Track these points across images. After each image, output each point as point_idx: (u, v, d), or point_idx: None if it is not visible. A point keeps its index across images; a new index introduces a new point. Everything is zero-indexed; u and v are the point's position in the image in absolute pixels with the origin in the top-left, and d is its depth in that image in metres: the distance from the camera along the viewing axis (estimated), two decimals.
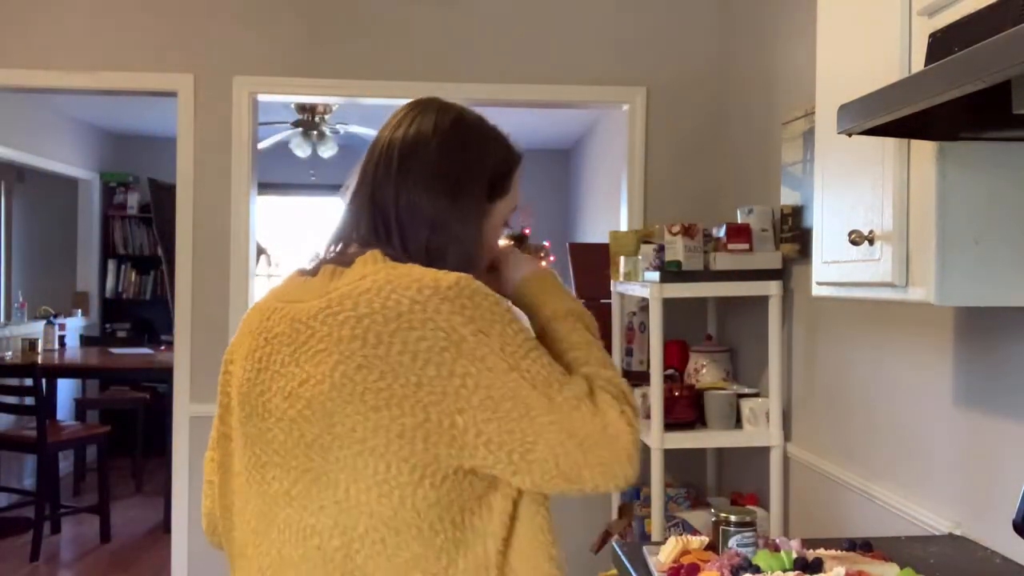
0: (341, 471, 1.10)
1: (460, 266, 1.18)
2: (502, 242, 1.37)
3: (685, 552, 1.68)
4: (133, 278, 7.62)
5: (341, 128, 6.17)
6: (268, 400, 1.16)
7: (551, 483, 1.12)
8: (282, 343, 1.17)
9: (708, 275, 2.93)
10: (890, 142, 1.59)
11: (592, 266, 3.86)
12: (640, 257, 3.12)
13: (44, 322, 6.20)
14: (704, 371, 3.23)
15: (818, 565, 1.59)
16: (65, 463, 6.15)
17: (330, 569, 1.11)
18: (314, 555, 1.11)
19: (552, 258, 4.20)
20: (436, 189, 1.21)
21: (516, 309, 1.24)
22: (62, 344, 6.28)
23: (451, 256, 1.20)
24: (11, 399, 4.99)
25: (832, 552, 1.69)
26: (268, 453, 1.16)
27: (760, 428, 2.92)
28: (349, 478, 1.09)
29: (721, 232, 2.96)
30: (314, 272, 1.23)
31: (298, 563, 1.12)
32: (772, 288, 2.90)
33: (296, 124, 6.05)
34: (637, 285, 3.14)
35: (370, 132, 6.23)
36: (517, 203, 1.32)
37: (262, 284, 3.56)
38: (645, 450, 2.96)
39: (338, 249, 1.27)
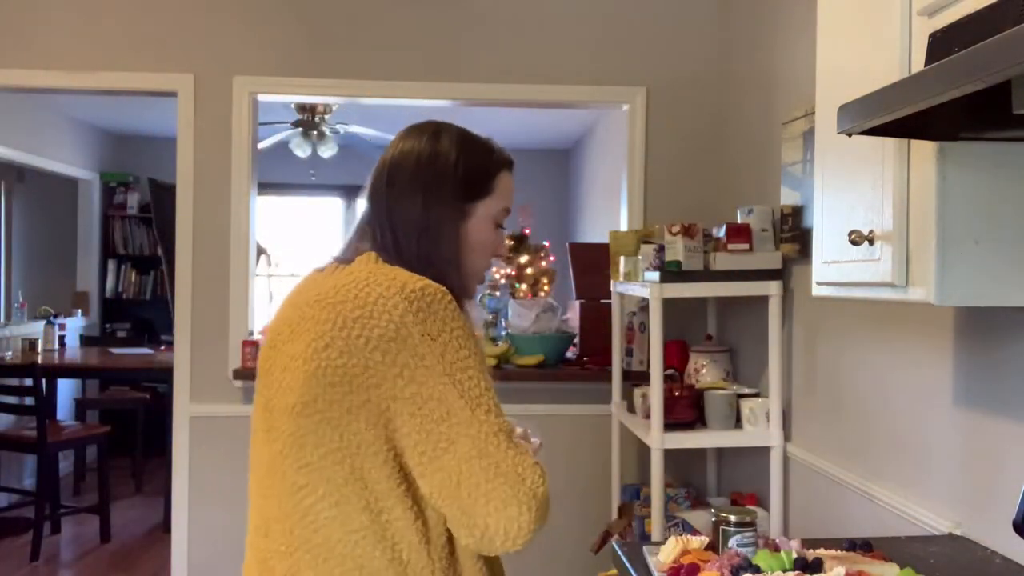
0: (308, 436, 1.24)
1: (447, 265, 1.35)
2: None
3: (685, 552, 1.68)
4: (133, 278, 7.62)
5: (341, 128, 6.17)
6: (272, 372, 1.34)
7: (446, 500, 1.20)
8: (286, 325, 1.35)
9: (708, 275, 2.93)
10: (890, 142, 1.59)
11: (592, 266, 3.86)
12: (640, 257, 3.12)
13: (44, 322, 6.20)
14: (704, 371, 3.23)
15: (818, 565, 1.59)
16: (65, 463, 6.15)
17: (308, 521, 1.25)
18: (299, 508, 1.26)
19: (552, 258, 4.20)
20: (413, 197, 1.37)
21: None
22: (62, 344, 6.28)
23: (437, 257, 1.36)
24: (11, 399, 4.99)
25: (832, 552, 1.69)
26: (272, 418, 1.31)
27: (760, 428, 2.92)
28: (313, 443, 1.24)
29: (721, 232, 2.96)
30: (324, 269, 1.41)
31: (290, 513, 1.27)
32: (772, 288, 2.90)
33: (296, 124, 6.05)
34: (637, 285, 3.14)
35: (370, 132, 6.24)
36: (508, 204, 1.45)
37: (262, 284, 3.56)
38: (645, 450, 2.96)
39: (345, 251, 1.43)
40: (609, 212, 5.63)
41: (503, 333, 3.91)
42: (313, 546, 1.25)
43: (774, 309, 2.90)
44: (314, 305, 1.30)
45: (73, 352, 6.30)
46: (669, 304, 2.95)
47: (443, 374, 1.21)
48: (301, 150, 6.18)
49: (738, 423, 2.98)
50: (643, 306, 3.43)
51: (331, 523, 1.24)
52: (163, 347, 6.23)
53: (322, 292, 1.31)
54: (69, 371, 5.92)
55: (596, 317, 3.81)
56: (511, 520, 1.18)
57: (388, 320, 1.22)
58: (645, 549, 1.79)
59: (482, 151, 1.44)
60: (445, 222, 1.37)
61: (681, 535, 1.79)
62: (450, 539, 1.28)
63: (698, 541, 1.73)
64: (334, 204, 8.26)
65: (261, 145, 4.79)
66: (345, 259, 1.39)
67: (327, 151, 6.20)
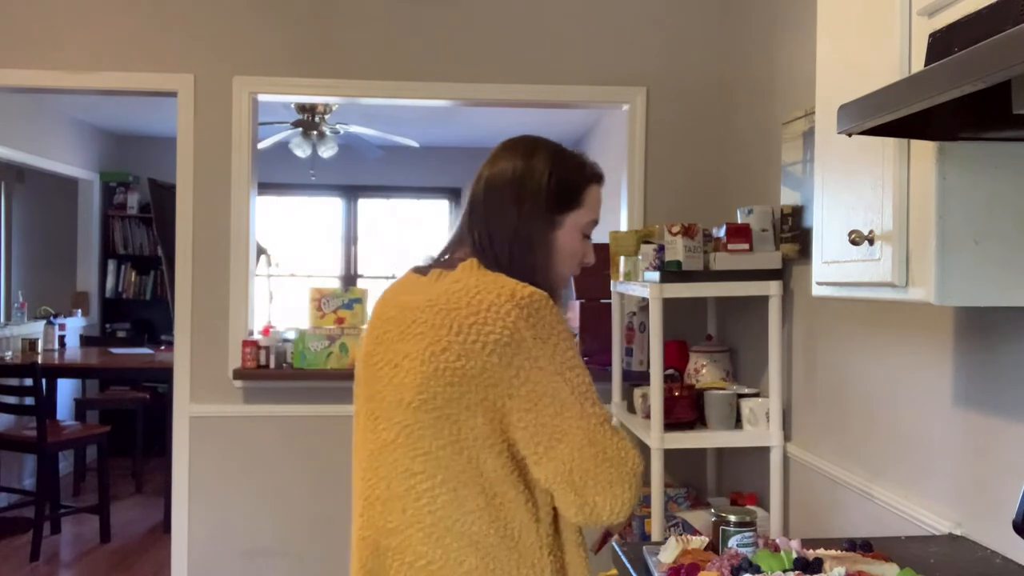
0: (426, 429, 1.39)
1: (539, 271, 1.48)
2: None
3: (685, 552, 1.68)
4: (133, 278, 7.62)
5: (341, 128, 6.16)
6: (379, 368, 1.47)
7: (559, 485, 1.36)
8: (393, 325, 1.48)
9: (708, 275, 2.93)
10: (890, 142, 1.58)
11: (592, 266, 3.85)
12: (640, 257, 3.12)
13: (44, 322, 6.20)
14: (704, 371, 3.23)
15: (818, 565, 1.59)
16: (65, 463, 6.15)
17: (420, 505, 1.40)
18: (413, 491, 1.40)
19: None
20: (508, 208, 1.50)
21: None
22: (62, 344, 6.27)
23: (530, 263, 1.48)
24: (11, 399, 4.99)
25: (832, 552, 1.69)
26: (379, 410, 1.46)
27: (760, 428, 2.92)
28: (431, 435, 1.38)
29: (721, 232, 2.96)
30: (425, 272, 1.53)
31: (402, 496, 1.41)
32: (772, 288, 2.90)
33: (296, 124, 6.04)
34: (637, 285, 3.14)
35: (370, 132, 6.24)
36: (595, 216, 1.57)
37: (262, 284, 3.56)
38: (645, 450, 2.96)
39: (447, 256, 1.56)
40: (609, 212, 5.62)
41: None
42: (427, 524, 1.39)
43: (774, 309, 2.90)
44: (426, 310, 1.43)
45: (73, 352, 6.30)
46: (669, 304, 2.95)
47: (555, 373, 1.36)
48: (301, 150, 6.17)
49: (738, 423, 2.98)
50: (643, 306, 3.42)
51: (448, 505, 1.38)
52: (163, 347, 6.23)
53: (432, 297, 1.44)
54: (69, 371, 5.92)
55: (596, 317, 3.81)
56: (616, 497, 1.36)
57: (503, 326, 1.36)
58: (645, 549, 1.79)
59: (573, 166, 1.55)
60: (537, 231, 1.50)
61: (681, 535, 1.79)
62: (555, 517, 1.45)
63: (698, 541, 1.73)
64: (334, 204, 8.26)
65: (261, 145, 4.79)
66: (447, 264, 1.51)
67: (327, 151, 6.20)
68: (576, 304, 3.96)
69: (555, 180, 1.51)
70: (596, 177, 1.57)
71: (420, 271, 1.54)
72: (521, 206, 1.50)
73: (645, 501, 3.24)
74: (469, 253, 1.51)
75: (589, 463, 1.34)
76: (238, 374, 3.66)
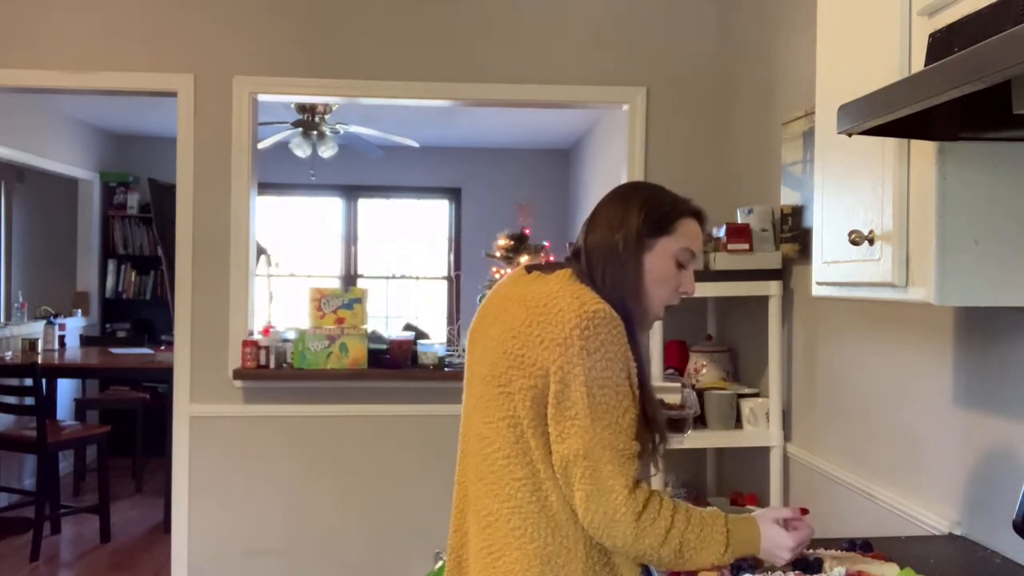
0: (492, 401, 1.59)
1: (628, 292, 1.60)
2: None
3: None
4: (133, 278, 7.61)
5: (341, 128, 6.16)
6: (476, 344, 1.70)
7: (559, 478, 1.52)
8: (491, 311, 1.69)
9: (708, 275, 2.93)
10: (890, 142, 1.59)
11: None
12: None
13: (44, 322, 6.19)
14: (704, 371, 3.23)
15: (818, 565, 1.59)
16: (65, 463, 6.14)
17: (485, 465, 1.60)
18: (482, 452, 1.61)
19: (552, 258, 4.19)
20: (605, 229, 1.65)
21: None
22: (62, 344, 6.27)
23: (620, 283, 1.61)
24: (11, 399, 4.99)
25: (832, 552, 1.69)
26: (470, 379, 1.70)
27: (760, 428, 2.92)
28: (495, 408, 1.58)
29: (721, 232, 2.96)
30: (530, 271, 1.70)
31: (475, 454, 1.63)
32: (772, 288, 2.90)
33: (296, 124, 6.04)
34: None
35: (370, 132, 6.24)
36: (690, 245, 1.66)
37: (262, 284, 3.56)
38: None
39: (553, 264, 1.72)
40: None
41: None
42: (489, 483, 1.59)
43: (774, 309, 2.90)
44: (515, 302, 1.62)
45: (73, 352, 6.29)
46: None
47: (583, 383, 1.48)
48: (301, 150, 6.17)
49: (738, 423, 2.98)
50: None
51: (502, 470, 1.57)
52: (163, 347, 6.23)
53: (524, 294, 1.62)
54: (69, 371, 5.91)
55: None
56: (590, 513, 1.48)
57: (561, 329, 1.51)
58: None
59: (669, 198, 1.69)
60: (629, 252, 1.62)
61: None
62: None
63: None
64: (334, 204, 8.25)
65: (261, 145, 4.79)
66: (549, 269, 1.67)
67: (327, 151, 6.19)
68: None
69: (649, 206, 1.65)
70: (692, 211, 1.68)
71: (528, 269, 1.72)
72: (617, 228, 1.64)
73: None
74: (570, 265, 1.67)
75: (577, 473, 1.48)
76: (238, 374, 3.66)
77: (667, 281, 1.65)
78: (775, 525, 1.55)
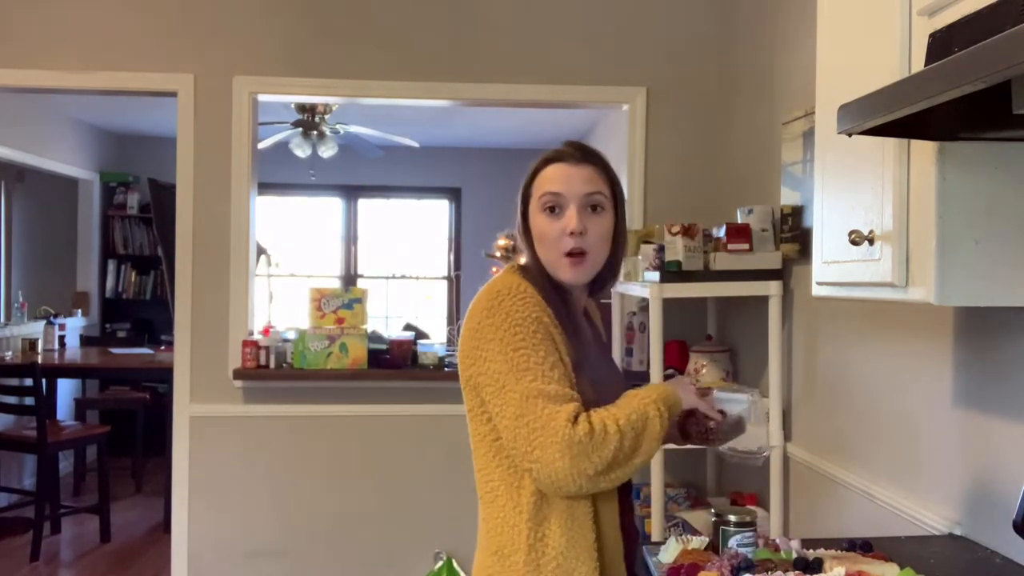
0: (464, 394, 1.63)
1: (534, 257, 1.65)
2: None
3: (685, 552, 1.68)
4: (133, 278, 7.61)
5: (341, 128, 6.16)
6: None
7: (510, 454, 1.54)
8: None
9: (708, 275, 2.93)
10: (890, 142, 1.59)
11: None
12: (640, 257, 3.12)
13: (44, 322, 6.19)
14: (704, 371, 3.23)
15: (818, 565, 1.59)
16: (65, 463, 6.14)
17: (473, 447, 1.65)
18: (471, 440, 1.65)
19: None
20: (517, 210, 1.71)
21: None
22: (62, 344, 6.27)
23: (529, 257, 1.67)
24: (11, 399, 4.99)
25: (832, 552, 1.70)
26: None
27: (760, 428, 2.91)
28: (466, 400, 1.63)
29: (721, 232, 2.96)
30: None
31: (472, 447, 1.66)
32: (772, 288, 2.90)
33: (296, 124, 6.04)
34: (637, 285, 3.14)
35: (370, 132, 6.24)
36: (545, 190, 1.64)
37: (262, 284, 3.56)
38: None
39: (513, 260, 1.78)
40: None
41: None
42: (476, 468, 1.65)
43: (774, 309, 2.90)
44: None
45: (73, 352, 6.29)
46: (669, 304, 2.95)
47: (499, 353, 1.52)
48: (301, 150, 6.17)
49: None
50: (643, 306, 3.42)
51: (477, 450, 1.63)
52: (163, 347, 6.23)
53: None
54: (69, 371, 5.91)
55: None
56: (547, 465, 1.45)
57: (472, 318, 1.58)
58: (645, 549, 1.79)
59: (533, 166, 1.69)
60: (522, 229, 1.69)
61: (681, 535, 1.80)
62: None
63: (698, 541, 1.73)
64: (334, 204, 8.26)
65: (261, 145, 4.79)
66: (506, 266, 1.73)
67: (327, 151, 6.19)
68: None
69: (523, 182, 1.70)
70: (543, 160, 1.68)
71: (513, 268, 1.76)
72: (520, 207, 1.70)
73: (645, 501, 3.24)
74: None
75: (521, 433, 1.48)
76: (238, 374, 3.66)
77: (547, 231, 1.63)
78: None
